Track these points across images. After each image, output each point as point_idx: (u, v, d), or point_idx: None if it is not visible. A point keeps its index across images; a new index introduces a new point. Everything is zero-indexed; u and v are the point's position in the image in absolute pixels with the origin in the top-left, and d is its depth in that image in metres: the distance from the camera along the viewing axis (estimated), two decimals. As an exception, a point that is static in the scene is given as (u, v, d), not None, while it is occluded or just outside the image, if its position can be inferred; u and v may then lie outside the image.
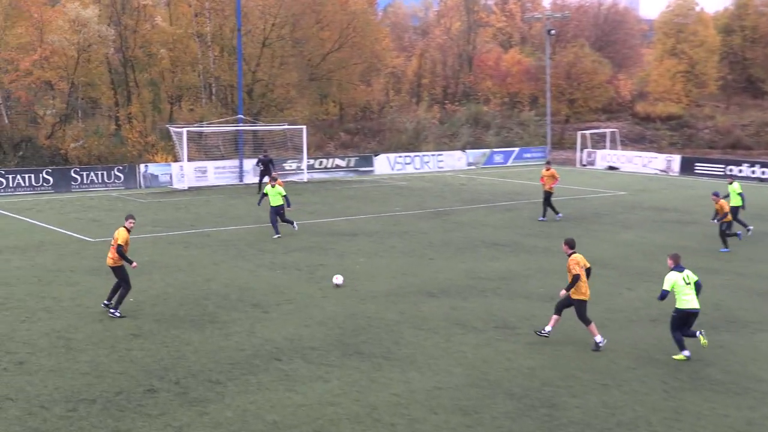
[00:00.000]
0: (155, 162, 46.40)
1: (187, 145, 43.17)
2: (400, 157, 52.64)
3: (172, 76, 53.50)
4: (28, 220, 31.31)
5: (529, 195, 38.12)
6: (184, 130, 43.18)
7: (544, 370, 14.04)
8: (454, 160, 54.46)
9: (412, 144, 59.18)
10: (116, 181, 42.53)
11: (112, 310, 17.39)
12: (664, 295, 14.52)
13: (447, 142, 61.00)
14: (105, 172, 42.41)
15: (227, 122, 48.29)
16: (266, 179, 38.15)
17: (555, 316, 15.54)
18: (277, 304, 18.28)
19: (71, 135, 47.41)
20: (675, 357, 14.76)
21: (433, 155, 54.05)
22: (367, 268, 22.05)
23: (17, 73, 46.68)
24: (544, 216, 30.84)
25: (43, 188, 40.53)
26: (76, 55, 47.61)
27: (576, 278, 14.93)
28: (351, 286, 19.97)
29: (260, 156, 41.82)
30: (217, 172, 45.22)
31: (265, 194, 27.35)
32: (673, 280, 14.54)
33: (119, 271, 17.50)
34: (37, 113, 48.80)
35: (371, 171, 50.69)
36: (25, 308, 17.87)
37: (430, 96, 70.65)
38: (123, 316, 17.25)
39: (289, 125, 48.34)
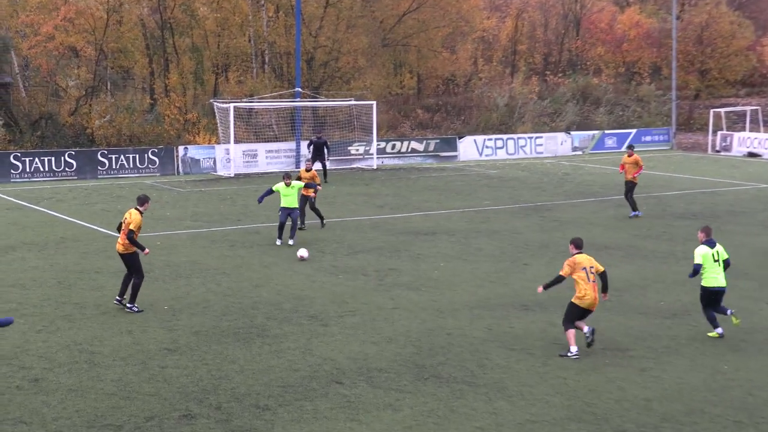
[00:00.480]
0: (196, 144, 47.12)
1: (234, 123, 43.69)
2: (490, 140, 52.49)
3: (217, 41, 54.15)
4: (47, 211, 32.10)
5: (649, 187, 37.62)
6: (231, 105, 43.70)
7: (663, 402, 13.85)
8: (556, 144, 54.06)
9: (505, 124, 58.95)
10: (150, 166, 43.32)
11: (128, 306, 18.19)
12: (696, 269, 16.66)
13: (548, 122, 60.60)
14: (137, 156, 43.23)
15: (282, 97, 48.74)
16: (317, 165, 38.68)
17: (570, 331, 15.88)
18: (338, 316, 18.38)
19: (98, 111, 48.40)
20: (709, 334, 16.87)
21: (530, 138, 53.76)
22: (448, 275, 22.02)
23: (37, 37, 47.85)
24: (636, 210, 30.74)
25: (65, 174, 41.51)
26: (105, 16, 48.57)
27: (559, 279, 16.12)
28: (428, 296, 19.98)
29: (312, 137, 42.19)
30: (270, 157, 45.72)
31: (272, 191, 26.36)
32: (701, 254, 16.65)
33: (130, 259, 18.31)
34: (60, 85, 49.94)
35: (454, 157, 50.65)
36: (42, 315, 18.32)
37: (528, 66, 70.21)
38: (141, 310, 18.15)
39: (356, 101, 48.56)
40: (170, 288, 20.61)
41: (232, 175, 43.12)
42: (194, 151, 44.77)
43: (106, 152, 42.92)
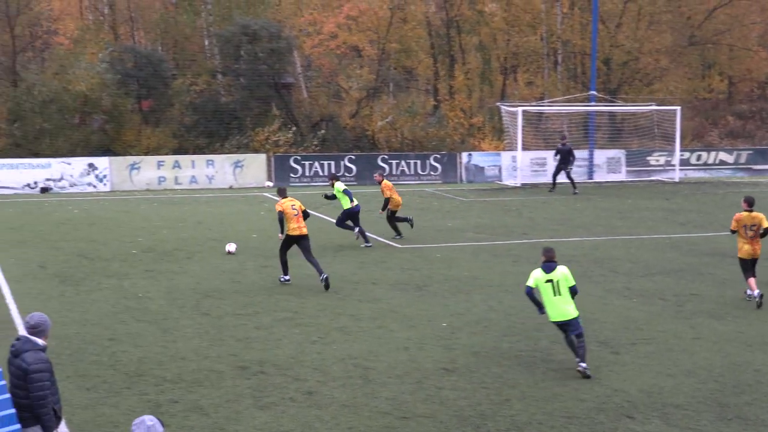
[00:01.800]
0: (481, 150, 47.69)
1: (523, 129, 43.85)
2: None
3: (506, 39, 54.53)
4: (324, 217, 33.42)
5: None
6: (520, 109, 43.90)
7: None
8: None
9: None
10: (432, 172, 44.24)
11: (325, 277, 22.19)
12: None
13: None
14: (418, 162, 44.24)
15: (575, 100, 48.47)
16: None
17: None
18: (631, 343, 18.07)
19: (379, 113, 49.87)
20: None
21: None
22: (755, 304, 21.17)
23: (320, 36, 50.00)
24: None
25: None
26: (389, 14, 50.04)
27: None
28: (735, 326, 19.28)
29: (558, 144, 41.81)
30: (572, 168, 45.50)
31: (333, 197, 28.66)
32: None
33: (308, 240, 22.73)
34: (341, 86, 51.89)
35: (770, 170, 48.59)
36: (318, 326, 19.09)
37: None
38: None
39: (657, 106, 47.58)
40: (449, 304, 20.95)
41: (519, 185, 43.28)
42: (478, 158, 45.29)
43: (386, 157, 44.20)
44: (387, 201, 29.04)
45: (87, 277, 23.16)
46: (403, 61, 54.79)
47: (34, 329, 10.86)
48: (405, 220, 29.62)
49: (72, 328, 18.56)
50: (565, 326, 16.15)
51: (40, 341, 10.82)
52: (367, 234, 28.29)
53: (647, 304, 21.15)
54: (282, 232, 22.71)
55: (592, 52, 47.19)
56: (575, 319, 16.10)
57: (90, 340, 17.79)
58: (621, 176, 46.36)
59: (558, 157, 41.36)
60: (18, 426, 9.84)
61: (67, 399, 14.01)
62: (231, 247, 26.62)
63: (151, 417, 8.87)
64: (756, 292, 20.58)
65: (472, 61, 54.37)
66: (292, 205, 22.65)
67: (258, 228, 30.59)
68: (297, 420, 13.97)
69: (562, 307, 16.12)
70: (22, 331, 11.73)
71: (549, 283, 16.19)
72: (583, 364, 15.85)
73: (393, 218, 29.36)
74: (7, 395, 10.37)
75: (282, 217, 22.57)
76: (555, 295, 16.13)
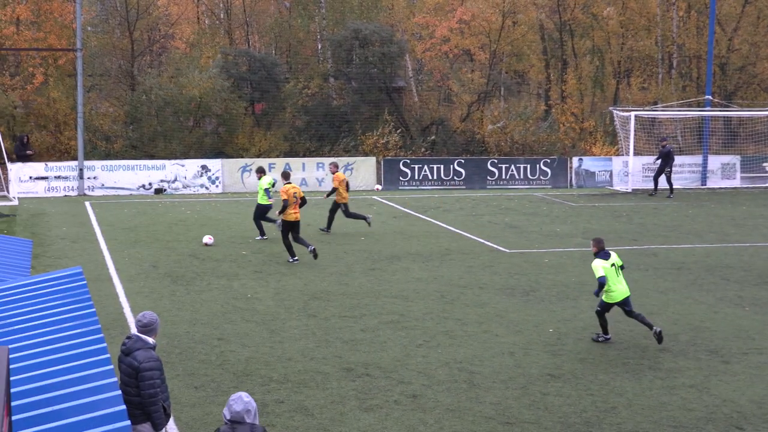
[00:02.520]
0: (592, 155, 47.27)
1: (635, 134, 43.37)
2: None
3: (620, 43, 53.96)
4: (433, 221, 33.50)
5: None
6: (632, 114, 43.42)
7: None
8: None
9: None
10: (542, 177, 44.00)
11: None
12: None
13: None
14: (528, 166, 44.06)
15: (689, 105, 47.72)
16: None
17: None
18: (742, 353, 17.75)
19: (490, 117, 49.85)
20: None
21: None
22: None
23: (432, 40, 50.15)
24: None
25: (453, 183, 43.14)
26: (501, 19, 49.94)
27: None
28: None
29: (660, 147, 41.50)
30: (673, 171, 44.83)
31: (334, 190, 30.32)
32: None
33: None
34: (452, 89, 51.96)
35: None
36: (423, 329, 19.15)
37: None
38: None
39: (774, 111, 46.60)
40: (556, 310, 20.84)
41: (630, 191, 42.78)
42: (589, 163, 44.90)
43: (496, 161, 44.10)
44: (333, 190, 30.26)
45: (198, 277, 23.59)
46: (515, 65, 54.58)
47: (146, 328, 11.13)
48: (362, 217, 30.51)
49: (182, 327, 18.93)
50: (624, 304, 18.06)
51: (150, 340, 11.08)
52: (470, 236, 28.26)
53: (760, 313, 20.73)
54: (281, 214, 25.57)
55: (709, 56, 46.36)
56: (630, 296, 18.23)
57: (199, 339, 18.12)
58: (735, 182, 45.48)
59: (659, 160, 41.12)
60: (128, 422, 10.08)
61: (175, 397, 14.32)
62: (207, 239, 27.83)
63: (247, 394, 9.09)
64: None
65: (584, 66, 53.91)
66: (294, 193, 25.50)
67: (366, 231, 30.78)
68: (401, 423, 14.05)
69: (623, 287, 18.07)
70: (133, 329, 12.01)
71: (612, 268, 17.95)
72: (658, 328, 18.02)
73: (348, 213, 30.37)
74: (118, 392, 10.63)
75: (286, 204, 25.37)
76: (618, 277, 18.01)
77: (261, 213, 28.95)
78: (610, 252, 18.27)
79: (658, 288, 23.07)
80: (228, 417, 8.93)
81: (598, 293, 17.98)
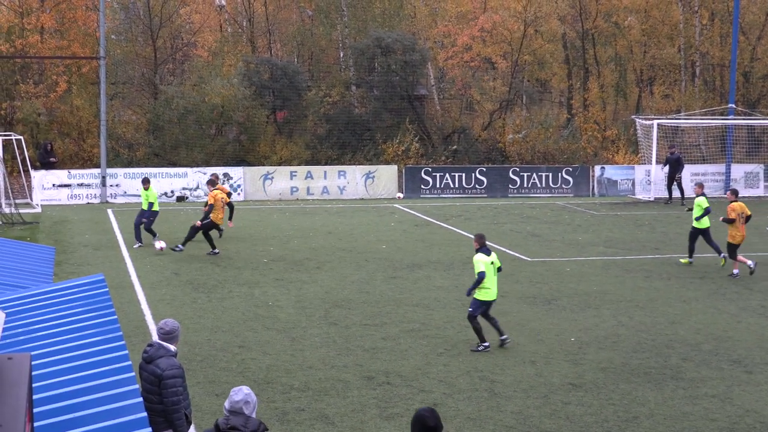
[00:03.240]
0: (614, 163, 47.16)
1: (657, 142, 43.26)
2: None
3: (643, 51, 53.84)
4: (454, 229, 33.48)
5: None
6: (654, 122, 43.32)
7: None
8: None
9: None
10: (563, 185, 43.91)
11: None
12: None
13: None
14: (550, 174, 43.99)
15: (713, 113, 47.55)
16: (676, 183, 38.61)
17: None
18: (765, 363, 17.68)
19: (512, 125, 49.83)
20: None
21: None
22: None
23: (454, 48, 50.17)
24: None
25: (474, 191, 43.10)
26: (523, 27, 49.91)
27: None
28: None
29: (667, 153, 41.19)
30: (694, 179, 44.63)
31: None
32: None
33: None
34: (474, 98, 51.95)
35: None
36: (445, 338, 19.15)
37: None
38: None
39: (798, 119, 46.40)
40: (578, 318, 20.79)
41: (652, 199, 42.66)
42: (611, 171, 44.81)
43: (517, 170, 44.06)
44: (210, 209, 27.14)
45: (219, 285, 23.65)
46: (537, 73, 54.50)
47: (168, 335, 11.16)
48: (178, 249, 27.78)
49: (203, 334, 18.98)
50: (491, 305, 18.40)
51: (172, 347, 11.12)
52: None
53: (784, 323, 20.63)
54: (204, 220, 26.93)
55: (732, 65, 46.18)
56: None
57: (220, 346, 18.16)
58: (759, 191, 45.26)
59: (666, 167, 40.92)
60: (149, 429, 10.11)
61: (196, 404, 14.35)
62: (159, 244, 27.95)
63: (248, 388, 9.26)
64: None
65: (607, 74, 53.78)
66: (222, 198, 27.30)
67: (388, 239, 30.81)
68: None
69: (495, 289, 18.36)
70: (155, 337, 12.05)
71: (492, 266, 18.19)
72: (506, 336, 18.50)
73: (208, 234, 27.67)
74: (140, 399, 10.66)
75: (212, 208, 26.85)
76: (494, 276, 18.27)
77: (145, 222, 28.69)
78: (491, 250, 18.50)
79: (680, 297, 22.99)
80: (227, 407, 9.09)
81: (470, 291, 18.24)
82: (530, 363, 17.48)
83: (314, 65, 53.42)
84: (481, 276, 17.97)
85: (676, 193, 41.27)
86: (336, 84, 50.86)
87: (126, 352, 12.07)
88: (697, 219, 26.76)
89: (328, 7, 51.56)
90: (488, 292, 18.16)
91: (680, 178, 40.91)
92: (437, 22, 53.36)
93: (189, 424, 11.20)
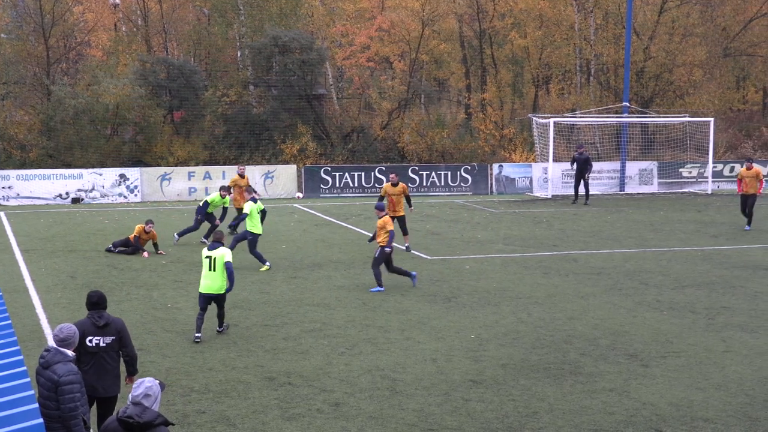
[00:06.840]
0: (512, 162, 47.71)
1: (554, 140, 43.86)
2: None
3: (539, 51, 54.55)
4: (354, 228, 33.50)
5: None
6: (551, 121, 43.93)
7: None
8: None
9: None
10: (462, 184, 44.28)
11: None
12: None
13: None
14: (449, 173, 44.32)
15: (608, 112, 48.40)
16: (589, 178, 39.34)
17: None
18: (661, 356, 18.00)
19: (410, 125, 50.10)
20: None
21: None
22: (791, 317, 21.03)
23: (352, 47, 50.21)
24: None
25: (374, 190, 43.16)
26: (421, 26, 50.20)
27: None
28: (766, 339, 19.17)
29: (575, 153, 41.74)
30: (592, 178, 45.43)
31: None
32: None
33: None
34: (372, 97, 52.11)
35: (805, 182, 48.22)
36: (345, 337, 19.14)
37: None
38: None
39: (690, 117, 47.42)
40: (478, 316, 20.95)
41: (550, 197, 43.24)
42: (509, 170, 45.32)
43: (416, 168, 44.29)
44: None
45: (117, 288, 23.31)
46: (435, 72, 54.90)
47: (64, 342, 10.97)
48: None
49: (101, 338, 18.66)
50: (213, 299, 18.86)
51: (69, 353, 10.93)
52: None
53: (678, 316, 21.06)
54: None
55: (626, 64, 47.02)
56: (225, 294, 18.98)
57: (119, 350, 17.88)
58: (653, 188, 46.21)
59: (575, 166, 41.30)
60: (45, 436, 9.92)
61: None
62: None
63: (151, 379, 9.20)
64: None
65: (504, 74, 54.39)
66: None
67: (288, 239, 30.71)
68: (324, 431, 14.02)
69: (210, 281, 18.71)
70: (51, 342, 11.83)
71: (207, 260, 18.71)
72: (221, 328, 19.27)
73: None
74: (36, 405, 10.44)
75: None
76: (210, 270, 18.67)
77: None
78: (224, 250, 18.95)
79: (578, 293, 23.31)
80: (129, 398, 9.08)
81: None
82: (431, 361, 17.56)
83: (211, 64, 53.04)
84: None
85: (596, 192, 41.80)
86: (234, 83, 50.57)
87: (21, 357, 11.82)
88: None
89: (224, 6, 51.23)
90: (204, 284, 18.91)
91: (588, 178, 41.24)
92: (335, 21, 53.38)
93: (87, 429, 11.01)
